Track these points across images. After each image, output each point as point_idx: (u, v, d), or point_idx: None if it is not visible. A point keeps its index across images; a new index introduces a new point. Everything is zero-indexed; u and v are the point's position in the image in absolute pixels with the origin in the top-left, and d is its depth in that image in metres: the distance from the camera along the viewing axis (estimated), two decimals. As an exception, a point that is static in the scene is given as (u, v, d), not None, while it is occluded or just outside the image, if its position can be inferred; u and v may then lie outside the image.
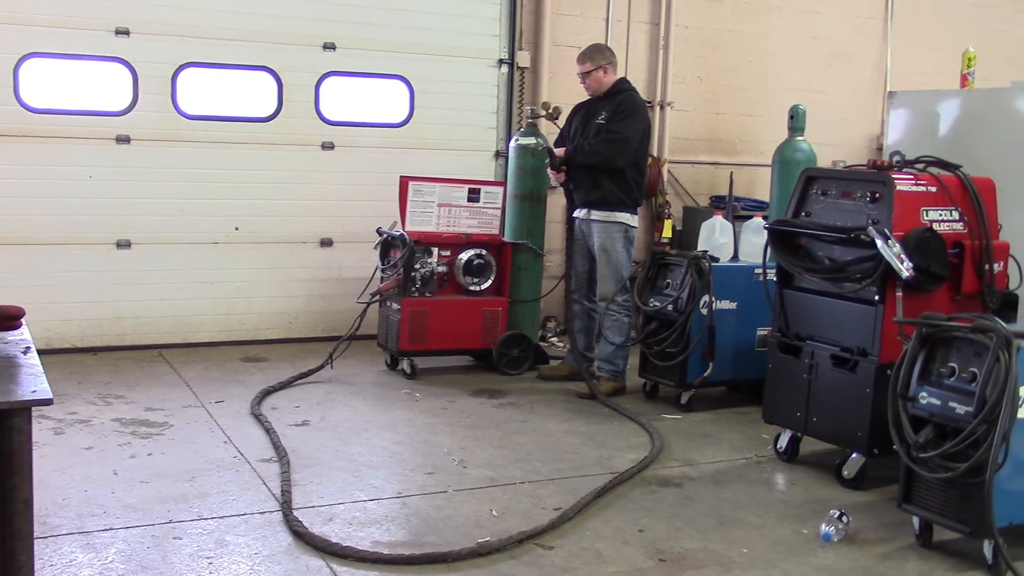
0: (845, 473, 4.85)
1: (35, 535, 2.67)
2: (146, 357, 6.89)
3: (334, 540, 3.91)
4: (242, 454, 4.96)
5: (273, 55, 7.22)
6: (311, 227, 7.49)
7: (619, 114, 6.25)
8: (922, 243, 4.58)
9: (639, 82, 8.47)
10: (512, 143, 6.95)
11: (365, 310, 6.64)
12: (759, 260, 5.48)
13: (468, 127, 7.89)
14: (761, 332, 5.97)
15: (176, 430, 5.30)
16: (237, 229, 7.28)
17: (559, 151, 6.43)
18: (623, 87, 6.45)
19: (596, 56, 6.39)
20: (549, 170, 6.51)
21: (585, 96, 6.57)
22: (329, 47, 7.38)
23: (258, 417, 5.52)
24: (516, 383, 6.61)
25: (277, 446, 5.00)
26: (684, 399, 6.07)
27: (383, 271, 6.72)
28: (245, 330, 7.38)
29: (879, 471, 4.80)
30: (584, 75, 6.37)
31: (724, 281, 5.98)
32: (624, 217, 6.31)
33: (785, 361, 5.10)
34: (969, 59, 6.86)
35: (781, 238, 5.07)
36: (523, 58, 8.02)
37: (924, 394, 4.04)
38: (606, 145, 6.20)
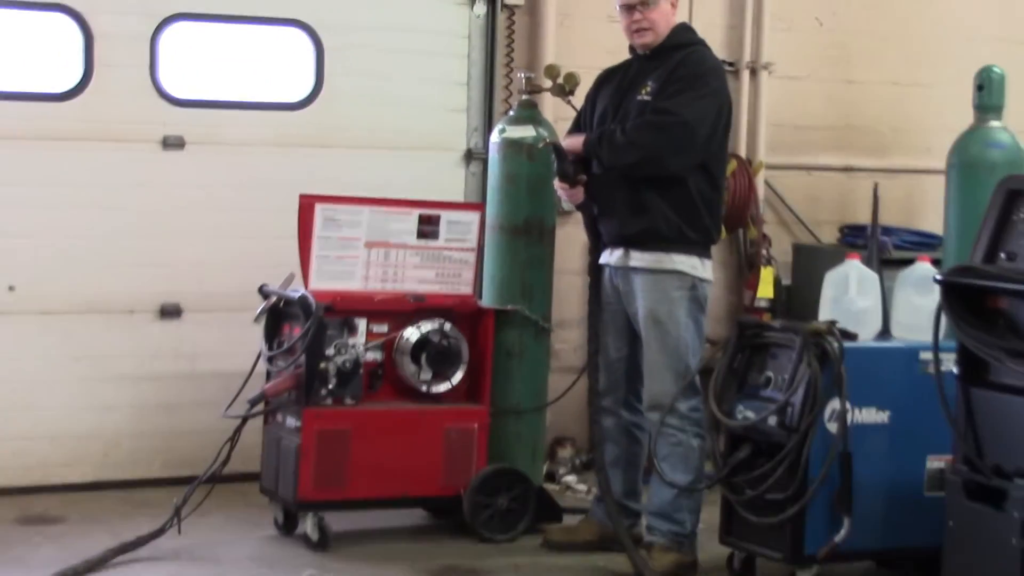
0: None
1: None
2: None
3: None
4: None
5: (77, -14, 7.31)
6: (143, 285, 7.50)
7: (678, 81, 6.28)
8: None
9: (714, 30, 8.51)
10: (495, 136, 7.01)
11: (238, 431, 6.60)
12: (926, 337, 5.49)
13: (417, 109, 7.95)
14: (934, 464, 5.97)
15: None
16: (12, 289, 7.28)
17: (572, 142, 6.43)
18: (686, 38, 6.49)
19: (666, -24, 6.44)
20: (557, 182, 6.54)
21: (619, 56, 6.63)
22: (176, -30, 7.48)
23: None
24: (505, 557, 6.58)
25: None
26: (801, 583, 6.07)
27: (270, 361, 6.72)
28: (25, 468, 7.34)
29: None
30: (645, 4, 6.31)
31: (867, 374, 5.97)
32: (688, 263, 6.33)
33: (978, 516, 5.10)
34: None
35: (965, 299, 5.08)
36: (513, -10, 8.15)
37: None
38: (652, 132, 6.21)
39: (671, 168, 6.23)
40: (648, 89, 6.33)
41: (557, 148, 6.49)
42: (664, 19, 6.37)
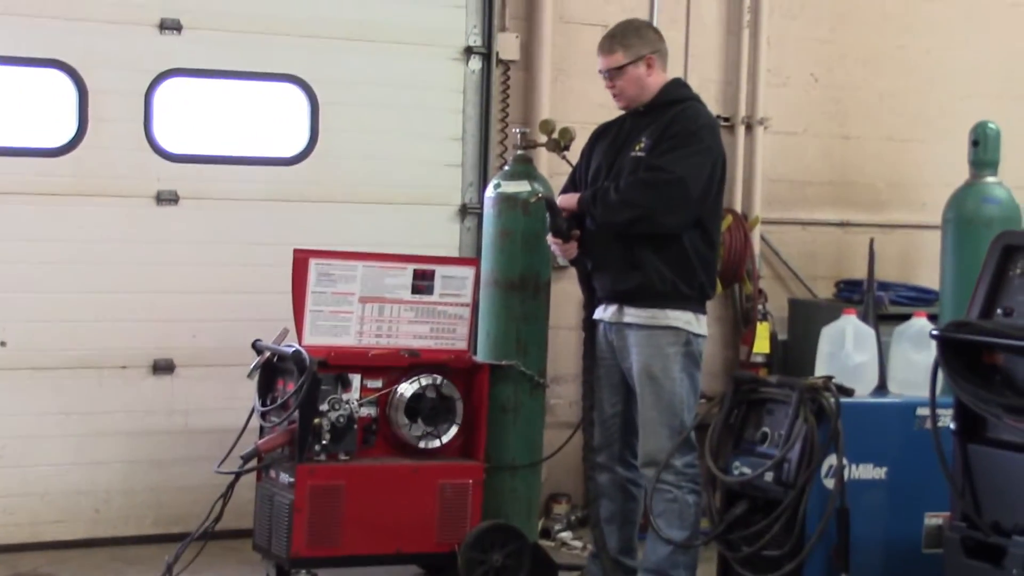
0: None
1: None
2: None
3: None
4: None
5: (71, 40, 7.30)
6: (135, 341, 7.50)
7: (672, 138, 6.29)
8: None
9: (709, 85, 8.57)
10: (490, 191, 7.02)
11: (231, 487, 6.57)
12: (923, 392, 5.47)
13: (412, 163, 7.98)
14: (932, 520, 5.95)
15: None
16: (3, 345, 7.27)
17: (566, 201, 6.44)
18: (680, 94, 6.51)
19: (633, 40, 6.46)
20: (550, 237, 6.54)
21: (614, 111, 6.66)
22: (170, 27, 7.47)
23: None
24: (499, 615, 6.55)
25: None
26: (798, 641, 6.02)
27: (263, 416, 6.71)
28: (15, 525, 7.31)
29: None
30: (612, 73, 6.43)
31: (863, 430, 5.96)
32: (683, 319, 6.31)
33: (977, 573, 5.08)
34: None
35: (961, 354, 5.08)
36: (508, 45, 8.16)
37: None
38: (645, 191, 6.20)
39: (665, 226, 6.22)
40: (642, 145, 6.33)
41: (550, 203, 6.50)
42: (633, 84, 6.40)
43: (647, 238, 6.26)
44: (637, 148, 6.36)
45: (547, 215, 6.48)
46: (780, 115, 8.89)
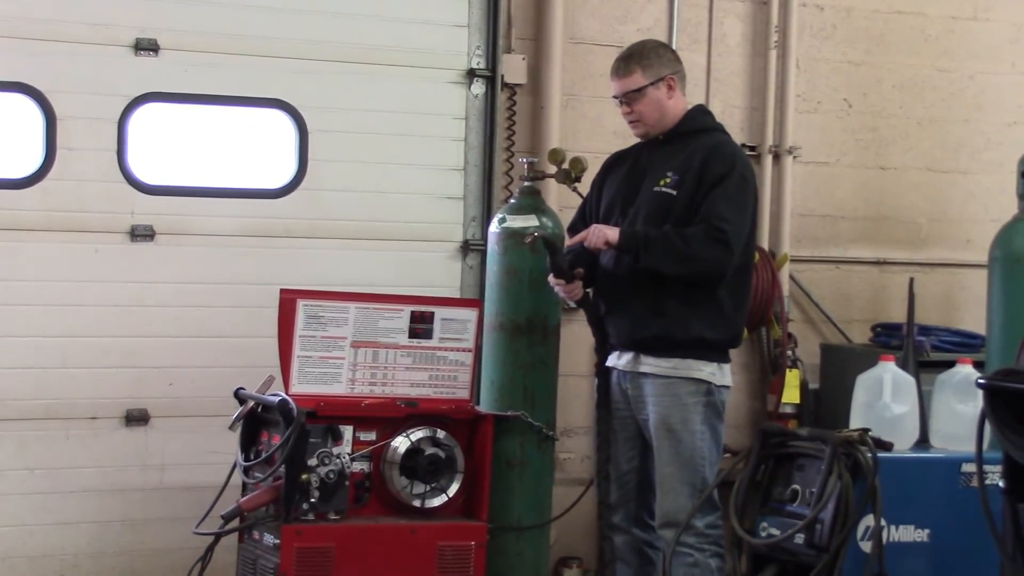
0: None
1: None
2: None
3: None
4: None
5: (37, 63, 7.31)
6: (106, 389, 7.48)
7: (718, 184, 6.20)
8: None
9: (733, 111, 8.60)
10: (495, 226, 7.03)
11: (211, 548, 6.56)
12: (968, 447, 5.45)
13: (409, 196, 8.00)
14: (980, 588, 5.92)
15: None
16: (-36, 395, 7.27)
17: (605, 233, 6.26)
18: (704, 123, 6.51)
19: (652, 59, 6.44)
20: (552, 278, 6.51)
21: (629, 140, 6.67)
22: (146, 48, 7.48)
23: None
24: None
25: None
26: None
27: (246, 472, 6.68)
28: (-25, 590, 7.29)
29: None
30: (630, 96, 6.42)
31: (904, 488, 5.97)
32: (707, 370, 6.30)
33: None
34: None
35: (1011, 405, 5.06)
36: (514, 68, 8.18)
37: None
38: (715, 248, 6.11)
39: (712, 278, 6.22)
40: (668, 181, 6.32)
41: (548, 242, 6.51)
42: (653, 109, 6.39)
43: (674, 284, 6.23)
44: (662, 183, 6.34)
45: (547, 254, 6.49)
46: (810, 144, 8.90)
